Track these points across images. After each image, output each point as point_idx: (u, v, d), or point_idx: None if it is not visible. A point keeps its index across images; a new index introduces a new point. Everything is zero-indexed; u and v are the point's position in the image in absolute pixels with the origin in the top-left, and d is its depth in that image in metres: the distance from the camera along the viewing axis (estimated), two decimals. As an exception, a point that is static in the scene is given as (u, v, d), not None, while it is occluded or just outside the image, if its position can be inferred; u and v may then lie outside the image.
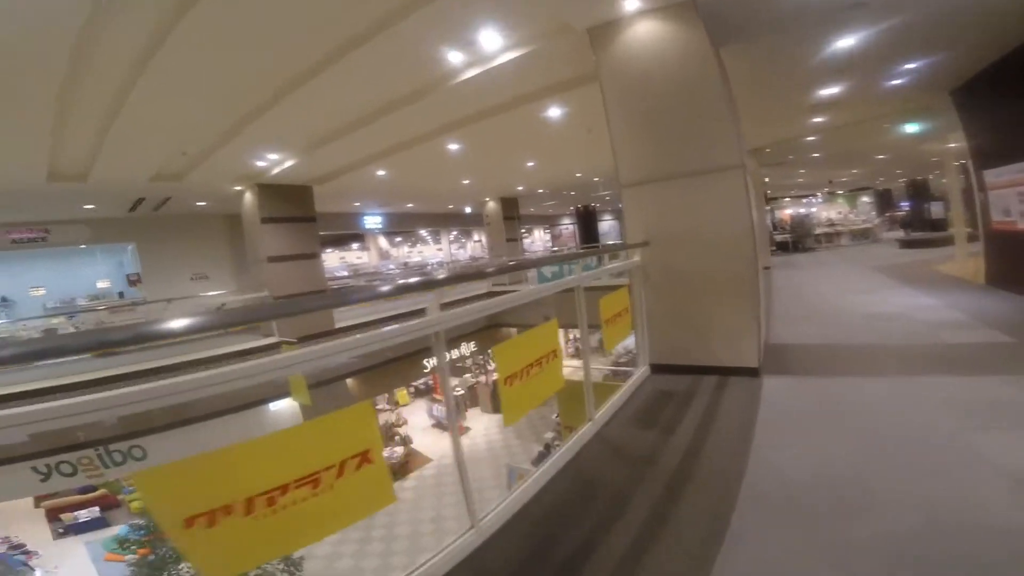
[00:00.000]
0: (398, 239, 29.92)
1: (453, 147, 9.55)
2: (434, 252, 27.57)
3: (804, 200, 25.76)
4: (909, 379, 3.85)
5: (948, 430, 2.90)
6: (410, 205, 18.88)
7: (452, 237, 27.86)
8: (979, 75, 6.71)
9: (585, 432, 3.26)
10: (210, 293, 14.44)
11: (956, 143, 7.83)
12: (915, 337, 5.10)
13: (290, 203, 11.58)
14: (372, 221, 19.65)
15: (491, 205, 18.88)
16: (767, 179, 20.80)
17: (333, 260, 28.82)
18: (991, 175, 6.72)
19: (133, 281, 14.41)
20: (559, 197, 21.82)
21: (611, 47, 4.58)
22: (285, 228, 11.64)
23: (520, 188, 17.47)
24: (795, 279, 10.74)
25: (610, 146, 4.74)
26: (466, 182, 14.44)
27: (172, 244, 14.45)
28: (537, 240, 34.19)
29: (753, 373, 4.19)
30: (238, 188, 11.32)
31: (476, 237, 29.88)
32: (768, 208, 20.07)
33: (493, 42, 5.32)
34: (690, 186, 4.29)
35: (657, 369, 4.59)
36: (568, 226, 31.51)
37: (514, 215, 19.11)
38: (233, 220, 13.80)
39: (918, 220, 25.93)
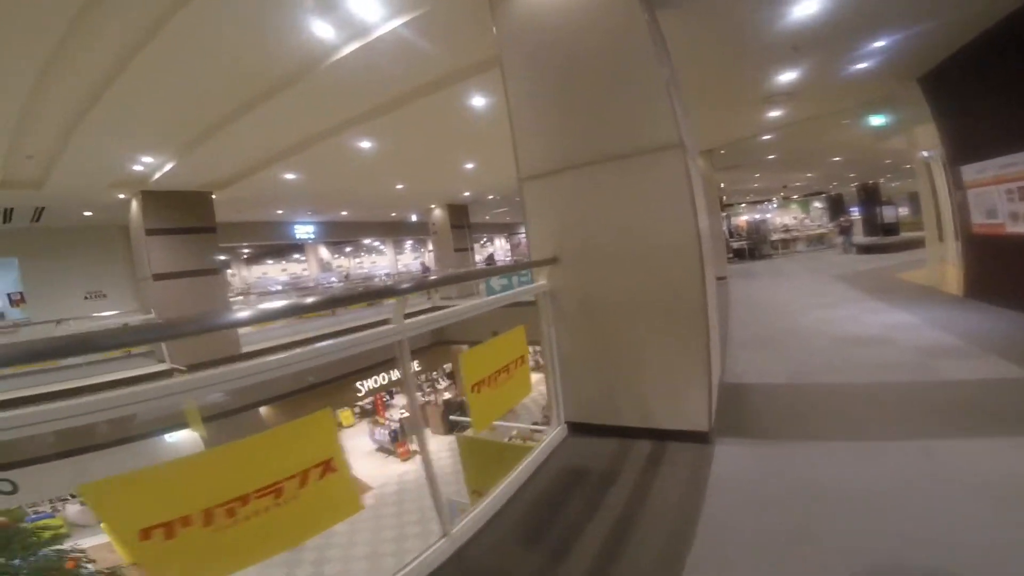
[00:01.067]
0: (348, 248, 28.28)
1: (364, 145, 8.17)
2: (388, 262, 26.03)
3: (760, 206, 25.48)
4: (917, 447, 2.69)
5: (997, 554, 1.72)
6: (344, 213, 17.30)
7: (403, 247, 26.30)
8: (954, 57, 5.82)
9: (440, 549, 1.97)
10: (105, 313, 12.64)
11: (925, 137, 6.97)
12: (904, 371, 4.02)
13: (182, 211, 9.92)
14: (304, 231, 17.92)
15: (437, 213, 17.50)
16: (722, 184, 20.23)
17: (274, 272, 27.10)
18: (970, 171, 5.82)
19: (15, 300, 12.56)
20: (513, 204, 20.65)
21: (512, 6, 3.35)
22: (176, 240, 9.95)
23: (467, 194, 16.19)
24: (754, 291, 9.78)
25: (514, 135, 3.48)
26: (400, 187, 13.03)
27: (62, 259, 12.81)
28: (500, 249, 33.04)
29: (701, 439, 2.95)
30: (121, 196, 9.64)
31: (431, 247, 28.51)
32: (724, 214, 19.44)
33: (366, 6, 4.06)
34: (613, 175, 3.05)
35: (577, 429, 3.32)
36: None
37: (463, 223, 17.77)
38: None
39: (870, 225, 26.16)
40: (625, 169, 2.98)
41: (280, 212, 15.46)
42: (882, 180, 25.45)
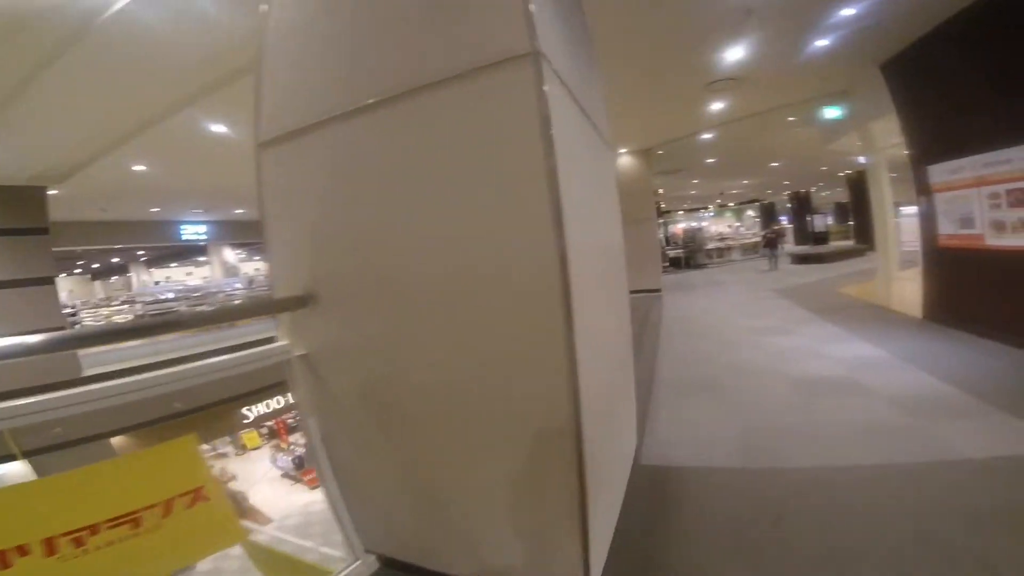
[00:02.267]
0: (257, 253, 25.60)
1: (219, 129, 6.37)
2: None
3: (697, 213, 25.19)
4: None
5: None
6: (240, 211, 15.02)
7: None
8: (926, 39, 4.79)
9: None
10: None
11: (884, 134, 6.00)
12: (901, 443, 2.78)
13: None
14: (194, 231, 15.47)
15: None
16: (660, 190, 19.52)
17: (179, 275, 24.26)
18: (941, 171, 4.82)
19: None
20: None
21: None
22: (-6, 243, 7.62)
23: None
24: (690, 308, 8.64)
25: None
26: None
27: None
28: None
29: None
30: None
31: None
32: (661, 222, 18.70)
33: None
34: (403, 128, 1.50)
35: (389, 565, 1.79)
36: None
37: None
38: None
39: (801, 233, 26.53)
40: (421, 115, 1.46)
41: (156, 210, 13.04)
42: (814, 189, 25.89)
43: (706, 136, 10.00)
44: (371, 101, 1.51)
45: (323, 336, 1.69)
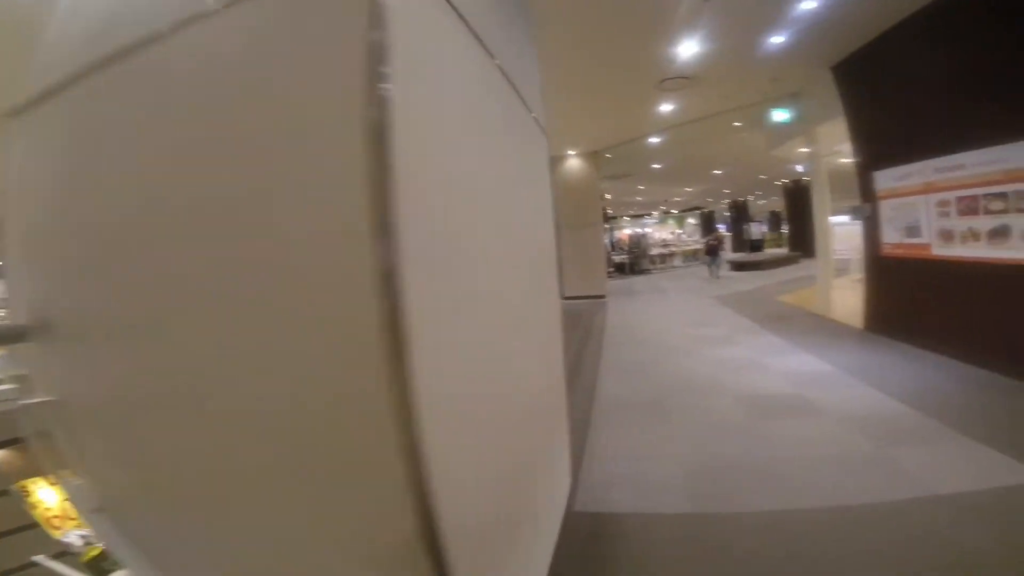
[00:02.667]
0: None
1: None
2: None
3: (642, 219, 25.50)
4: None
5: None
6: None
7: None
8: (878, 41, 4.64)
9: None
10: None
11: (830, 138, 5.90)
12: (859, 476, 2.45)
13: None
14: None
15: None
16: (608, 195, 19.50)
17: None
18: (887, 177, 4.68)
19: None
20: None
21: None
22: None
23: None
24: (633, 315, 8.36)
25: None
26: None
27: None
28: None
29: None
30: None
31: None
32: (607, 227, 18.65)
33: None
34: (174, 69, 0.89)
35: None
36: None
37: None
38: None
39: (738, 241, 27.49)
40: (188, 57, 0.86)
41: None
42: (751, 198, 26.89)
43: (654, 140, 9.81)
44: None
45: (68, 384, 1.04)
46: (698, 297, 9.75)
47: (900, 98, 4.38)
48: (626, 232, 21.55)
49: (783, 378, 4.13)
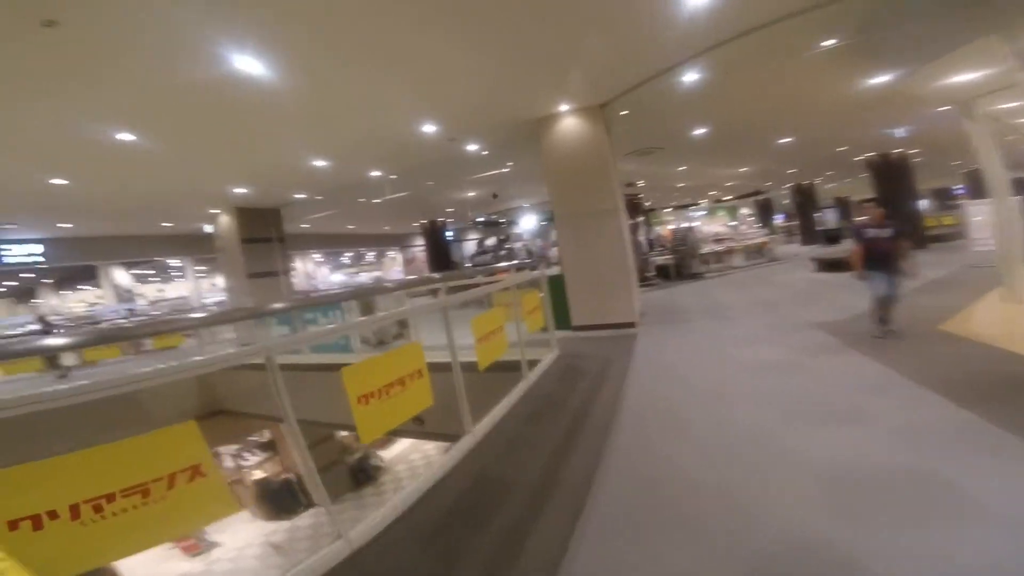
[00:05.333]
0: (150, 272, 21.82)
1: None
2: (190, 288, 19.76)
3: (686, 210, 21.34)
4: None
5: None
6: (69, 225, 11.05)
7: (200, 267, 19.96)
8: None
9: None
10: None
11: None
12: None
13: None
14: (16, 252, 11.49)
15: (223, 220, 11.65)
16: (640, 182, 15.72)
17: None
18: None
19: None
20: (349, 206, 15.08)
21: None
22: None
23: (301, 195, 10.74)
24: (681, 376, 4.66)
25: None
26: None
27: None
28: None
29: None
30: None
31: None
32: (640, 219, 14.85)
33: None
34: None
35: None
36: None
37: (271, 235, 11.94)
38: None
39: (808, 232, 22.79)
40: None
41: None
42: (818, 180, 22.22)
43: (689, 78, 6.18)
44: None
45: None
46: (791, 326, 5.82)
47: None
48: (669, 227, 17.60)
49: None
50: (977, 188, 23.86)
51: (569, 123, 6.93)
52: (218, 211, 11.53)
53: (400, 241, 25.05)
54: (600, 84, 6.16)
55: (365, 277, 29.04)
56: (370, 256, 32.02)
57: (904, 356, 4.02)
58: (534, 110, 6.82)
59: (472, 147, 8.39)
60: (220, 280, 16.57)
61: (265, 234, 11.86)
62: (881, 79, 6.87)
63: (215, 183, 9.06)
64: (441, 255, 19.71)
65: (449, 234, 21.67)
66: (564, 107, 6.77)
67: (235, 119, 5.72)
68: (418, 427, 3.88)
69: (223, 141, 6.55)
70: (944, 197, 26.98)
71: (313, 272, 25.05)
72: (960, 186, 28.61)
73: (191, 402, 8.13)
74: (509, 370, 4.44)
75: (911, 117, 9.80)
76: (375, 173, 9.50)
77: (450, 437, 3.47)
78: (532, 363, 4.96)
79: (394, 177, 9.72)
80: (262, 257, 11.77)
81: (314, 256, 27.02)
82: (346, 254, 30.41)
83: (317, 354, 7.03)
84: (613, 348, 5.66)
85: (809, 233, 22.25)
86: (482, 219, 20.47)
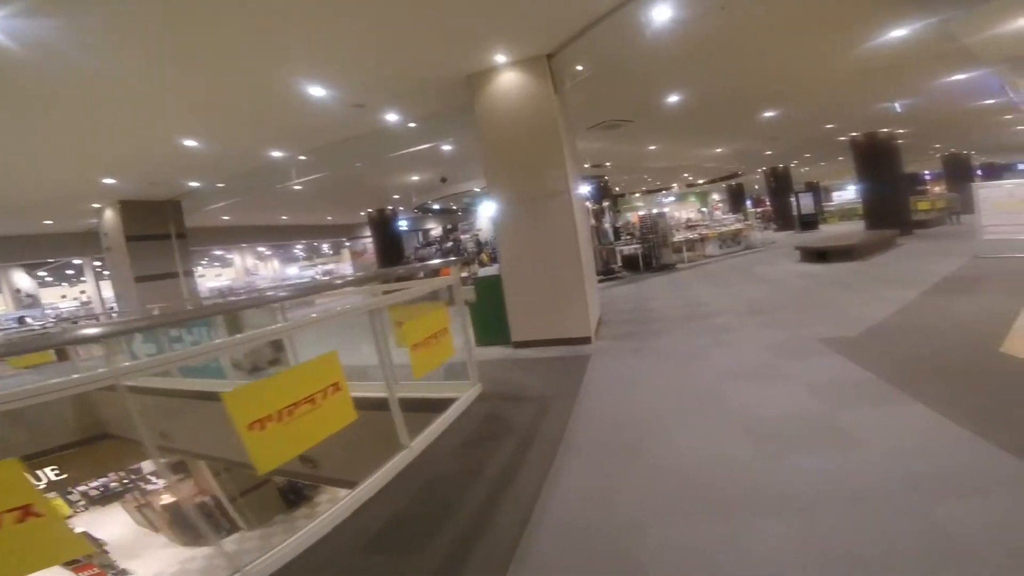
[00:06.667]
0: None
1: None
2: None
3: (657, 195, 20.00)
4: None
5: None
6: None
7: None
8: None
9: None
10: None
11: None
12: None
13: None
14: None
15: (108, 215, 9.63)
16: (608, 163, 14.22)
17: None
18: None
19: None
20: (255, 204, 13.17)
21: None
22: None
23: (192, 182, 8.82)
24: (642, 462, 3.16)
25: None
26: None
27: None
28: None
29: None
30: None
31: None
32: (606, 204, 13.35)
33: None
34: None
35: None
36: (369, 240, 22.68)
37: (167, 231, 9.96)
38: None
39: (783, 217, 21.77)
40: None
41: None
42: (794, 163, 21.14)
43: (659, 16, 4.60)
44: None
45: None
46: (797, 346, 4.28)
47: None
48: (638, 214, 16.18)
49: None
50: (954, 173, 23.43)
51: (508, 79, 5.28)
52: (99, 205, 9.51)
53: (349, 232, 23.01)
54: (544, 23, 4.53)
55: (315, 272, 26.88)
56: (325, 247, 29.99)
57: (984, 402, 2.58)
58: (461, 65, 5.16)
59: (391, 116, 6.67)
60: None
61: (159, 230, 9.88)
62: (908, 29, 5.44)
63: (79, 174, 7.18)
64: (391, 247, 17.90)
65: (403, 224, 19.85)
66: (500, 58, 5.12)
67: (65, 102, 4.06)
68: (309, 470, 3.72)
69: (65, 127, 4.92)
70: (915, 182, 26.39)
71: (254, 268, 22.78)
72: (928, 172, 28.26)
73: (66, 427, 6.52)
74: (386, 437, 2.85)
75: (920, 85, 8.48)
76: (276, 154, 7.69)
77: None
78: (441, 404, 3.42)
79: (303, 158, 7.91)
80: (155, 257, 9.80)
81: (260, 249, 24.78)
82: (297, 246, 28.28)
83: (189, 379, 5.40)
84: (557, 380, 4.12)
85: (784, 219, 21.23)
86: (437, 207, 18.67)
